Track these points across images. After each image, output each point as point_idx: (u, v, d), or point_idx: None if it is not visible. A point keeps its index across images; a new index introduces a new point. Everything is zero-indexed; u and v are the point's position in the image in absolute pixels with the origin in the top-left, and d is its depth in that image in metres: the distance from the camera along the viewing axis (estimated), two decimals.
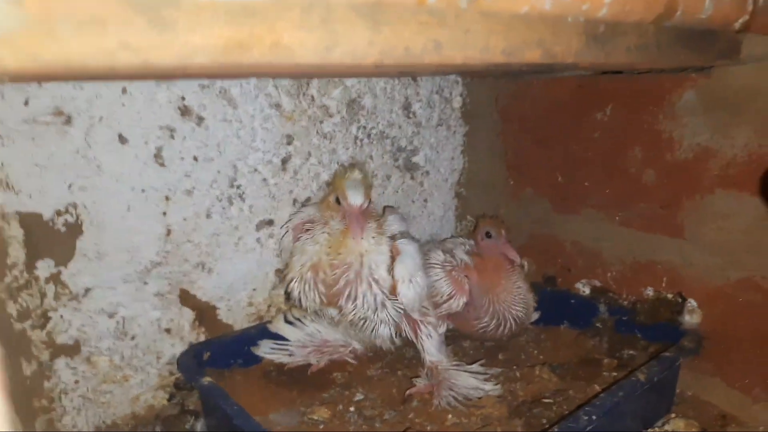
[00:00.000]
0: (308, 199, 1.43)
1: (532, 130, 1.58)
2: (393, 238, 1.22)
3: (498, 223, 1.40)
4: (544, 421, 1.09)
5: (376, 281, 1.16)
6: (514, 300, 1.35)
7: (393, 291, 1.17)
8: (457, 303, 1.34)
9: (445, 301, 1.34)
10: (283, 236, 1.31)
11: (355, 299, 1.16)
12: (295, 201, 1.41)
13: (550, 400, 1.16)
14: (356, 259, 1.15)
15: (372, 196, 1.21)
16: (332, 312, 1.21)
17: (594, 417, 0.96)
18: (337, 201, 1.16)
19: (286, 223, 1.32)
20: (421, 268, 1.21)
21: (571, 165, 1.50)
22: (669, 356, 1.16)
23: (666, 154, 1.30)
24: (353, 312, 1.17)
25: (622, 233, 1.42)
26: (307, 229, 1.23)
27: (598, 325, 1.43)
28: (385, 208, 1.37)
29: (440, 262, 1.38)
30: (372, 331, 1.20)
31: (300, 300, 1.20)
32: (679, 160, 1.27)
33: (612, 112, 1.39)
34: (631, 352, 1.33)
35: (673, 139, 1.28)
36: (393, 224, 1.24)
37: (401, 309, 1.19)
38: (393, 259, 1.18)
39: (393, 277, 1.16)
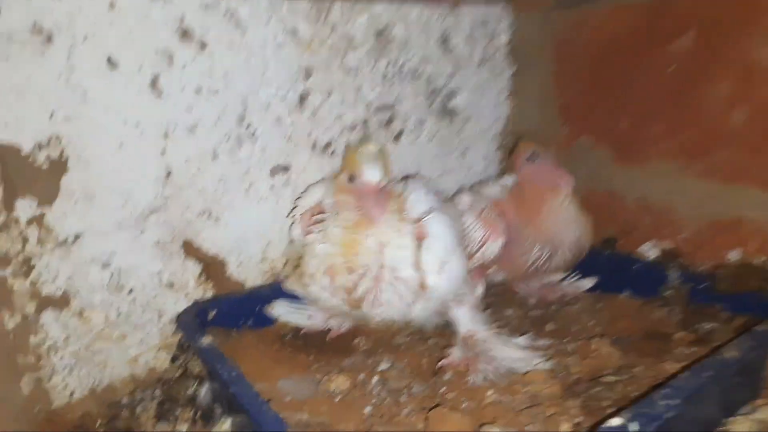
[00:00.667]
0: (329, 144, 1.25)
1: (591, 68, 1.36)
2: (419, 220, 1.01)
3: (541, 146, 1.23)
4: (607, 403, 0.89)
5: (401, 282, 0.97)
6: (564, 223, 1.18)
7: (423, 284, 0.99)
8: (493, 248, 1.15)
9: (478, 249, 1.15)
10: (291, 226, 1.13)
11: (380, 304, 0.98)
12: (314, 145, 1.23)
13: (613, 379, 0.96)
14: (375, 258, 0.95)
15: (390, 173, 1.00)
16: (358, 313, 1.03)
17: (674, 402, 0.76)
18: (350, 180, 0.97)
19: (293, 209, 1.14)
20: (455, 249, 1.01)
21: (638, 107, 1.28)
22: (763, 330, 0.94)
23: (762, 89, 1.07)
24: (380, 315, 1.01)
25: (700, 186, 1.20)
26: (318, 221, 1.04)
27: (667, 294, 1.22)
28: (406, 179, 1.12)
29: (468, 205, 1.19)
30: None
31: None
32: None
33: (691, 40, 1.16)
34: (709, 325, 1.11)
35: None
36: (417, 203, 1.02)
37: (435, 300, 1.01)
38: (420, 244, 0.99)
39: (420, 267, 0.97)
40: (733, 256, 1.17)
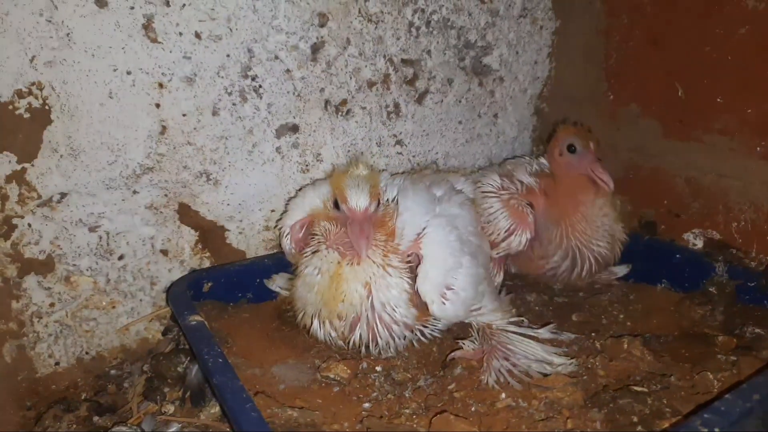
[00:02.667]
0: (343, 103, 1.12)
1: (647, 25, 1.20)
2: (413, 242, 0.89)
3: (585, 133, 1.06)
4: (635, 419, 0.79)
5: (398, 324, 0.86)
6: (596, 232, 1.04)
7: (425, 312, 0.88)
8: (519, 240, 1.05)
9: (503, 239, 1.04)
10: (282, 237, 1.01)
11: (377, 344, 0.88)
12: (327, 103, 1.11)
13: (644, 389, 0.85)
14: (364, 302, 0.84)
15: (381, 196, 0.88)
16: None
17: (717, 429, 0.66)
18: (336, 206, 0.86)
19: (282, 217, 1.03)
20: (459, 263, 0.88)
21: (700, 73, 1.13)
22: None
23: None
24: (381, 354, 0.91)
25: (764, 170, 1.05)
26: (311, 234, 0.93)
27: (710, 289, 1.10)
28: (396, 196, 0.96)
29: (495, 189, 1.06)
30: None
31: None
32: None
33: None
34: (756, 330, 1.00)
35: None
36: (409, 222, 0.89)
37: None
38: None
39: (419, 295, 0.86)
40: None
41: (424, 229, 0.89)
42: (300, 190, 1.07)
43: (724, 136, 1.10)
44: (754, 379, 0.76)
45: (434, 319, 0.90)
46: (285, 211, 1.04)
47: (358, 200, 0.83)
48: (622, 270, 1.20)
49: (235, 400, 0.69)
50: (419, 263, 0.88)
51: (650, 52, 1.19)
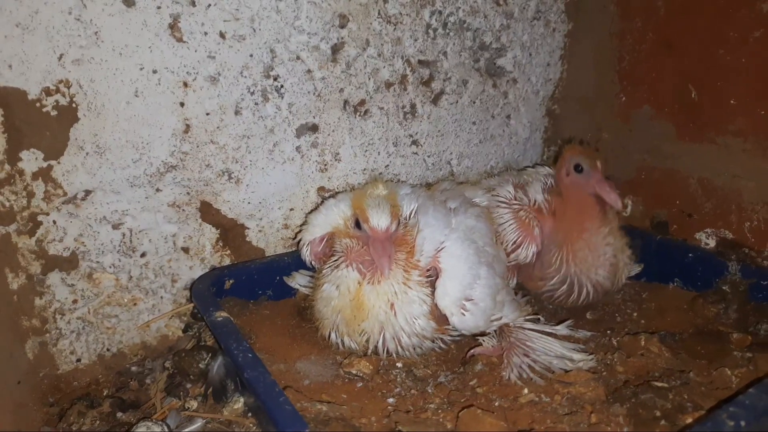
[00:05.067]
0: (362, 103, 1.14)
1: (661, 28, 1.21)
2: (433, 256, 0.91)
3: (591, 152, 1.05)
4: (658, 413, 0.80)
5: (417, 335, 0.89)
6: (597, 261, 1.03)
7: (445, 322, 0.90)
8: (526, 253, 1.05)
9: (512, 251, 1.05)
10: (302, 250, 1.03)
11: (398, 353, 0.90)
12: (346, 103, 1.12)
13: (664, 384, 0.86)
14: (385, 318, 0.87)
15: (400, 215, 0.90)
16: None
17: (743, 422, 0.67)
18: (357, 225, 0.88)
19: (302, 229, 1.04)
20: (477, 275, 0.90)
21: (713, 76, 1.14)
22: None
23: None
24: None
25: None
26: (331, 253, 0.95)
27: (724, 288, 1.11)
28: (414, 210, 0.97)
29: (508, 200, 1.07)
30: None
31: None
32: None
33: None
34: None
35: None
36: (429, 238, 0.91)
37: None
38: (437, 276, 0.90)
39: (438, 307, 0.88)
40: None
41: (442, 243, 0.90)
42: (322, 203, 1.07)
43: (738, 137, 1.12)
44: None
45: (454, 329, 0.92)
46: (305, 223, 1.05)
47: (380, 220, 0.85)
48: (635, 269, 1.21)
49: (269, 395, 0.70)
50: (438, 277, 0.90)
51: (663, 55, 1.21)
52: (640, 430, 0.78)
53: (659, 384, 0.87)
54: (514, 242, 1.05)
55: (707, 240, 1.19)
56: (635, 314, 1.12)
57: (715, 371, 0.90)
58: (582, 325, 1.05)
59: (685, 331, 1.04)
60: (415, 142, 1.24)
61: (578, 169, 1.03)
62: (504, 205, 1.08)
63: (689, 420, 0.77)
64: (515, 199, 1.09)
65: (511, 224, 1.06)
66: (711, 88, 1.15)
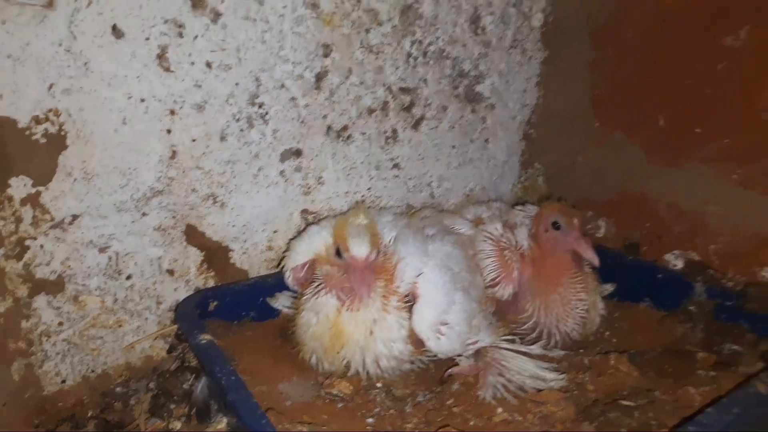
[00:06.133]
0: (344, 128, 1.17)
1: (632, 58, 1.26)
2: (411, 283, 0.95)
3: (569, 210, 1.07)
4: (624, 431, 0.84)
5: (396, 358, 0.92)
6: (568, 315, 1.06)
7: (421, 346, 0.94)
8: (502, 292, 1.08)
9: (489, 286, 1.08)
10: (285, 276, 1.06)
11: (378, 376, 0.94)
12: (329, 129, 1.16)
13: (631, 403, 0.90)
14: (364, 344, 0.90)
15: (380, 245, 0.93)
16: None
17: None
18: (338, 253, 0.91)
19: (285, 256, 1.07)
20: (452, 302, 0.93)
21: (681, 104, 1.19)
22: None
23: None
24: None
25: (740, 196, 1.13)
26: (313, 273, 0.98)
27: (690, 308, 1.15)
28: (394, 238, 1.01)
29: (495, 238, 1.11)
30: None
31: None
32: None
33: (748, 36, 1.07)
34: (734, 347, 1.05)
35: None
36: (408, 265, 0.94)
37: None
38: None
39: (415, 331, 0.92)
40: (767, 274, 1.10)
41: (420, 270, 0.94)
42: (304, 230, 1.09)
43: (704, 163, 1.17)
44: (733, 394, 0.82)
45: (431, 353, 0.95)
46: (288, 249, 1.08)
47: (360, 249, 0.88)
48: (607, 289, 1.25)
49: (251, 417, 0.73)
50: (415, 302, 0.92)
51: (636, 83, 1.26)
52: None
53: (626, 402, 0.91)
54: (493, 279, 1.08)
55: (675, 261, 1.24)
56: (607, 333, 1.16)
57: (680, 390, 0.94)
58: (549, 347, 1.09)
59: (654, 350, 1.07)
60: (396, 166, 1.28)
61: (556, 226, 1.06)
62: (491, 241, 1.11)
63: None
64: (503, 238, 1.11)
65: (494, 261, 1.08)
66: (679, 116, 1.20)
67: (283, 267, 1.06)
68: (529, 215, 1.15)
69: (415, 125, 1.27)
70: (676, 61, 1.18)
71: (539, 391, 0.93)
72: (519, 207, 1.18)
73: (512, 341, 1.03)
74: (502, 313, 1.12)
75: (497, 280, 1.07)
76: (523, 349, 1.02)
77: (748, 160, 1.10)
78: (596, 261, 1.03)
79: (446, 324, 0.91)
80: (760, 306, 1.07)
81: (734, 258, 1.15)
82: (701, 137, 1.17)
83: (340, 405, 0.92)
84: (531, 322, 1.07)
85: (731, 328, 1.09)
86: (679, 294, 1.16)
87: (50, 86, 0.89)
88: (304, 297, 0.96)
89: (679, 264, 1.24)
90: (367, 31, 1.13)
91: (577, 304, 1.06)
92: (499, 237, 1.11)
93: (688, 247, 1.23)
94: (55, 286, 0.97)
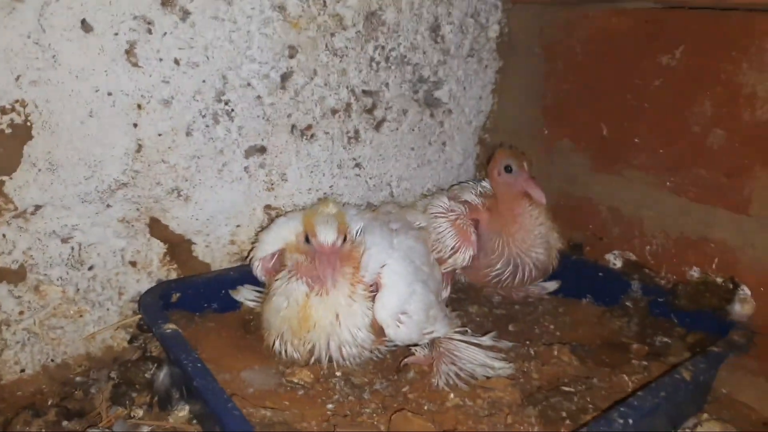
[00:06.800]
0: (308, 128, 1.21)
1: (579, 72, 1.35)
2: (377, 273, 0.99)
3: (519, 154, 1.19)
4: (564, 414, 0.91)
5: (358, 346, 0.97)
6: (533, 240, 1.16)
7: (382, 335, 0.98)
8: (463, 257, 1.15)
9: (449, 256, 1.15)
10: (253, 266, 1.09)
11: (338, 360, 0.97)
12: (293, 128, 1.19)
13: (571, 389, 0.98)
14: (334, 326, 0.95)
15: (348, 232, 0.97)
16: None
17: (630, 420, 0.79)
18: (306, 240, 0.95)
19: (254, 247, 1.10)
20: (412, 292, 0.98)
21: (621, 116, 1.28)
22: (717, 352, 0.98)
23: (743, 113, 1.08)
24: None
25: (671, 202, 1.22)
26: (282, 264, 1.02)
27: (627, 304, 1.24)
28: (360, 230, 1.04)
29: (445, 210, 1.18)
30: None
31: None
32: (760, 121, 1.06)
33: (681, 56, 1.16)
34: (664, 339, 1.14)
35: (756, 95, 1.06)
36: (374, 257, 0.99)
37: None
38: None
39: (376, 319, 0.96)
40: (695, 273, 1.20)
41: (385, 260, 0.99)
42: (272, 222, 1.13)
43: (641, 171, 1.26)
44: (660, 380, 0.90)
45: (389, 341, 1.00)
46: (256, 242, 1.11)
47: (327, 235, 0.92)
48: (552, 286, 1.34)
49: (218, 401, 0.76)
50: (378, 291, 0.97)
51: (581, 95, 1.34)
52: (548, 428, 0.89)
53: (567, 389, 0.98)
54: (452, 248, 1.15)
55: (615, 261, 1.33)
56: (552, 327, 1.23)
57: (615, 377, 1.02)
58: (505, 336, 1.15)
59: (594, 342, 1.16)
60: (358, 165, 1.33)
61: (508, 169, 1.16)
62: (441, 214, 1.18)
63: (588, 419, 0.89)
64: (451, 210, 1.19)
65: (449, 231, 1.16)
66: (619, 127, 1.29)
67: (250, 257, 1.09)
68: (468, 185, 1.25)
69: (377, 127, 1.32)
70: (617, 75, 1.27)
71: (488, 378, 1.00)
72: (456, 185, 1.27)
73: (464, 332, 1.10)
74: (474, 271, 1.19)
75: (457, 246, 1.13)
76: (474, 340, 1.08)
77: (677, 169, 1.19)
78: (543, 200, 1.13)
79: (405, 313, 0.96)
80: (687, 302, 1.17)
81: (666, 258, 1.25)
82: (639, 147, 1.26)
83: (301, 392, 0.96)
84: (503, 258, 1.15)
85: (663, 322, 1.18)
86: (618, 291, 1.25)
87: (17, 77, 0.90)
88: (275, 284, 0.99)
89: (618, 263, 1.33)
90: (332, 34, 1.18)
91: (539, 229, 1.16)
92: (448, 208, 1.18)
93: (626, 247, 1.32)
94: (16, 275, 0.98)
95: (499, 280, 1.17)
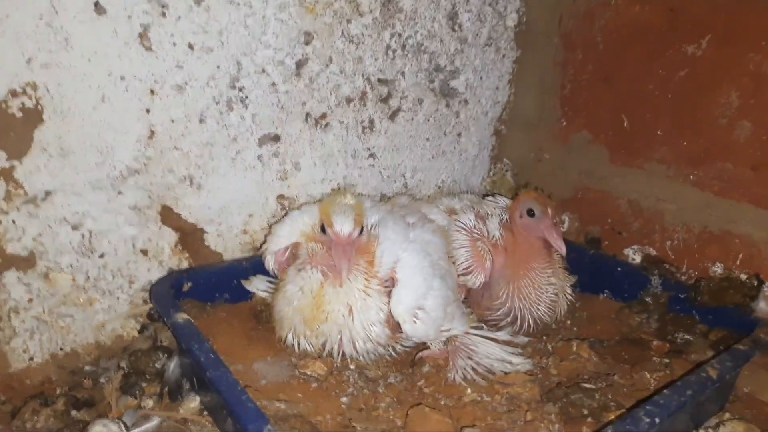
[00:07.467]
0: (323, 116, 1.19)
1: (599, 62, 1.32)
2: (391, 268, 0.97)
3: (544, 199, 1.11)
4: (585, 411, 0.89)
5: (372, 341, 0.94)
6: (539, 299, 1.10)
7: (398, 331, 0.96)
8: (474, 280, 1.11)
9: (461, 274, 1.12)
10: (265, 259, 1.08)
11: (353, 357, 0.96)
12: (308, 116, 1.17)
13: (591, 386, 0.96)
14: (347, 319, 0.92)
15: (364, 224, 0.95)
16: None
17: (657, 419, 0.76)
18: (322, 229, 0.93)
19: (265, 241, 1.09)
20: (430, 287, 0.96)
21: (643, 107, 1.25)
22: (743, 350, 0.95)
23: None
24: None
25: (694, 196, 1.19)
26: (295, 256, 1.01)
27: (647, 300, 1.22)
28: (375, 223, 1.02)
29: (468, 228, 1.14)
30: None
31: None
32: None
33: (707, 45, 1.13)
34: (686, 336, 1.12)
35: None
36: (388, 251, 0.96)
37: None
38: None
39: (392, 314, 0.94)
40: (718, 269, 1.17)
41: (400, 255, 0.96)
42: (286, 214, 1.11)
43: (663, 164, 1.23)
44: (686, 378, 0.88)
45: (406, 338, 0.98)
46: (268, 232, 1.09)
47: (343, 226, 0.90)
48: (569, 281, 1.31)
49: (231, 393, 0.74)
50: (394, 286, 0.95)
51: (601, 86, 1.32)
52: (570, 426, 0.87)
53: (587, 385, 0.96)
54: (465, 268, 1.11)
55: (634, 256, 1.31)
56: (569, 322, 1.21)
57: (636, 374, 1.00)
58: (520, 331, 1.13)
59: (612, 338, 1.13)
60: (372, 155, 1.30)
61: (530, 213, 1.09)
62: (464, 231, 1.14)
63: (612, 417, 0.87)
64: (475, 229, 1.14)
65: (467, 251, 1.12)
66: (641, 119, 1.26)
67: (263, 250, 1.07)
68: (500, 206, 1.19)
69: (392, 116, 1.30)
70: (640, 66, 1.24)
71: (506, 373, 0.98)
72: (490, 198, 1.22)
73: (480, 327, 1.08)
74: (476, 303, 1.16)
75: (470, 269, 1.10)
76: (491, 335, 1.06)
77: (701, 162, 1.17)
78: (563, 250, 1.07)
79: (422, 309, 0.94)
80: (710, 299, 1.14)
81: (688, 253, 1.22)
82: (661, 139, 1.23)
83: (314, 385, 0.94)
84: (505, 308, 1.11)
85: (684, 318, 1.16)
86: (637, 287, 1.22)
87: (29, 60, 0.88)
88: (289, 273, 0.97)
89: (638, 258, 1.31)
90: (349, 21, 1.15)
91: (548, 288, 1.10)
92: (472, 228, 1.14)
93: (646, 242, 1.29)
94: (26, 262, 0.96)
95: (496, 324, 1.13)
